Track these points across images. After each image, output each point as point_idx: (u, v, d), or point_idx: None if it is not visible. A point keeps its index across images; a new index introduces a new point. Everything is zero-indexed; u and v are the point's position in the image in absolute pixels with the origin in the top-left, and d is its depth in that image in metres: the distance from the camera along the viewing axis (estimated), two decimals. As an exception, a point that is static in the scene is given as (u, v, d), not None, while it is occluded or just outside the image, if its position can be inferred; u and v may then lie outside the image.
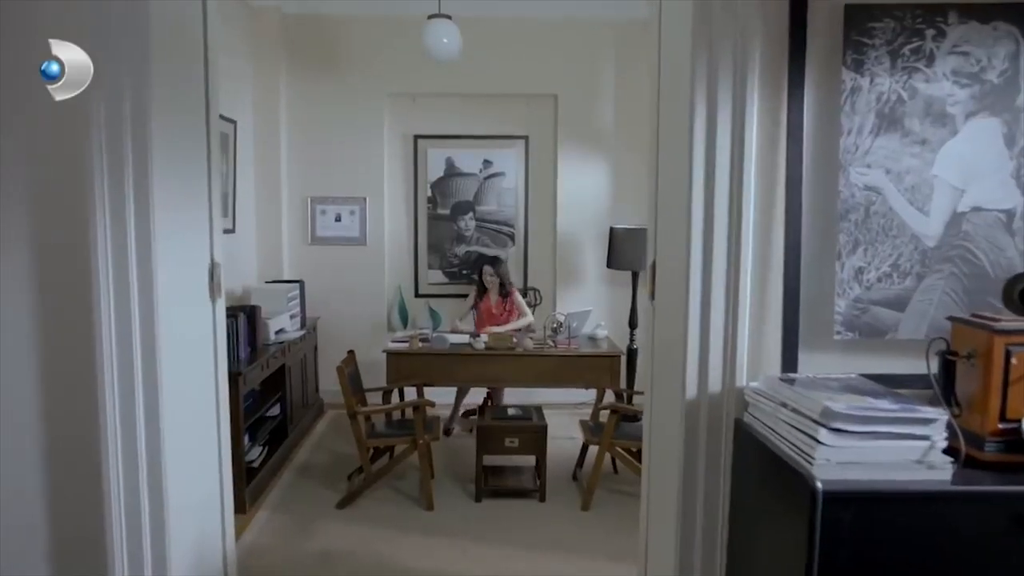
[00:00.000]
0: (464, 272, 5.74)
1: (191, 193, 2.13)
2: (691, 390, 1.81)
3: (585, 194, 5.67)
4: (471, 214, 5.77)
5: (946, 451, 1.38)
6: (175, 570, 1.97)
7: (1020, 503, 1.33)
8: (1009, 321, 1.46)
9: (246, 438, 3.79)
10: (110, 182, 1.78)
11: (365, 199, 5.65)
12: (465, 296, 5.27)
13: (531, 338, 4.53)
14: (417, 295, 5.80)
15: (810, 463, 1.37)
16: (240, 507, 3.51)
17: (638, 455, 3.84)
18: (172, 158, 1.96)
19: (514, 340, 4.46)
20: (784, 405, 1.54)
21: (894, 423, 1.37)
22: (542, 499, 3.81)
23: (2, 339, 1.89)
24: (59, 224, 1.85)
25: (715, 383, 1.79)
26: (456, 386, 5.03)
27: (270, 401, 4.31)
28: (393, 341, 4.63)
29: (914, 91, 1.69)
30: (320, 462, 4.42)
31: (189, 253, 2.12)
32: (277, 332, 4.41)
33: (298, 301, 4.95)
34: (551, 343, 4.47)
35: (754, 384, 1.73)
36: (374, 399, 4.20)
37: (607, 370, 4.38)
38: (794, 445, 1.45)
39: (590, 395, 4.78)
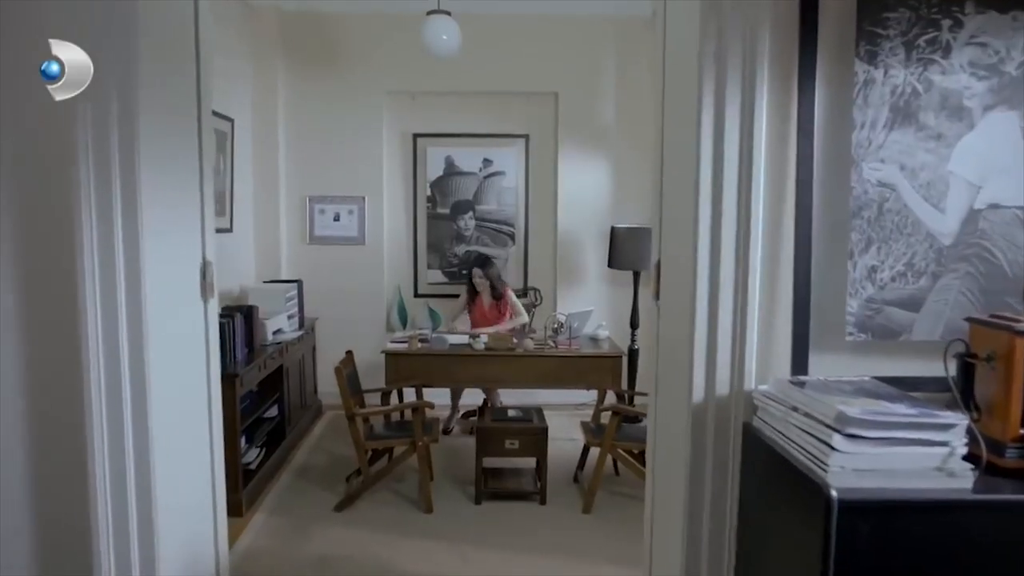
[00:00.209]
0: (464, 272, 5.67)
1: (182, 191, 2.10)
2: (698, 393, 1.75)
3: (586, 193, 5.63)
4: (471, 213, 5.73)
5: (965, 458, 1.32)
6: (164, 572, 1.93)
7: (1044, 512, 1.28)
8: (1030, 322, 1.40)
9: (243, 440, 3.74)
10: (96, 182, 1.75)
11: (364, 198, 5.61)
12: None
13: (531, 338, 4.48)
14: (416, 295, 5.76)
15: (824, 470, 1.31)
16: (236, 510, 3.49)
17: (640, 457, 3.81)
18: (162, 156, 1.93)
19: (514, 341, 4.41)
20: (795, 409, 1.48)
21: (912, 428, 1.32)
22: (543, 502, 3.78)
23: (-13, 338, 1.84)
24: (45, 223, 1.81)
25: (723, 386, 1.73)
26: (454, 387, 4.98)
27: (267, 402, 4.27)
28: (392, 341, 4.60)
29: (929, 84, 1.64)
30: (318, 464, 4.38)
31: (180, 252, 2.09)
32: (275, 332, 4.37)
33: (296, 301, 4.91)
34: (552, 343, 4.43)
35: (763, 387, 1.67)
36: (373, 400, 4.17)
37: (608, 371, 4.34)
38: (806, 451, 1.39)
39: (591, 396, 4.75)
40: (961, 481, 1.31)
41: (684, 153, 1.79)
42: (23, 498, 1.90)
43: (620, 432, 3.74)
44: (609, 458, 3.79)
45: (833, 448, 1.31)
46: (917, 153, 1.65)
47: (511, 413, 4.05)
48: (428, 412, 3.88)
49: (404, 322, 5.55)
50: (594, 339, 4.65)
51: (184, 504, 2.12)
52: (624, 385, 4.70)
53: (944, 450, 1.31)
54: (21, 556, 1.92)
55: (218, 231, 4.45)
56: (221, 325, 3.59)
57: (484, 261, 5.05)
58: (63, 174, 1.76)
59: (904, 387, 1.55)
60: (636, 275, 5.08)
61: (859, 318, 1.70)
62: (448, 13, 4.36)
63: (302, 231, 5.62)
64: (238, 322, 3.85)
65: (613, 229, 5.14)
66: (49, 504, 1.91)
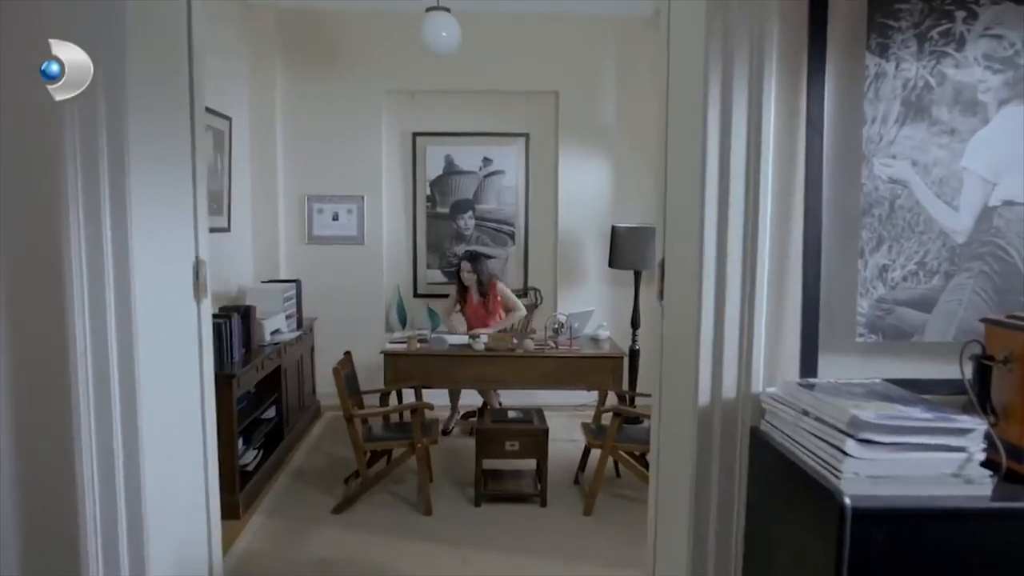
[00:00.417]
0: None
1: (175, 189, 2.07)
2: (704, 395, 1.71)
3: (586, 192, 5.59)
4: (471, 213, 5.68)
5: (983, 464, 1.28)
6: (155, 575, 1.89)
7: (1065, 520, 1.24)
8: (1049, 323, 1.36)
9: (240, 441, 3.70)
10: (84, 181, 1.72)
11: (363, 197, 5.56)
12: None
13: (532, 339, 4.44)
14: (416, 295, 5.72)
15: (837, 477, 1.27)
16: (233, 512, 3.46)
17: (641, 459, 3.78)
18: (154, 155, 1.90)
19: (514, 341, 4.37)
20: (806, 413, 1.43)
21: (928, 433, 1.27)
22: (543, 504, 3.74)
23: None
24: (31, 222, 1.77)
25: (729, 388, 1.69)
26: (452, 388, 4.94)
27: (265, 403, 4.23)
28: (391, 342, 4.55)
29: (943, 77, 1.59)
30: (316, 466, 4.34)
31: (172, 250, 2.06)
32: (272, 333, 4.33)
33: (294, 301, 4.87)
34: (552, 344, 4.39)
35: (771, 390, 1.62)
36: (372, 401, 4.13)
37: (609, 372, 4.30)
38: (818, 457, 1.35)
39: (591, 397, 4.71)
40: (979, 488, 1.26)
41: (689, 150, 1.74)
42: (8, 498, 1.85)
43: (621, 433, 3.70)
44: (610, 460, 3.75)
45: (846, 454, 1.26)
46: (930, 149, 1.61)
47: (511, 414, 4.01)
48: (427, 413, 3.85)
49: (403, 322, 5.51)
50: (595, 339, 4.61)
51: (176, 506, 2.09)
52: (625, 386, 4.66)
53: (961, 456, 1.27)
54: (6, 558, 1.87)
55: (216, 231, 4.51)
56: (218, 325, 3.58)
57: (474, 256, 4.99)
58: (50, 174, 1.73)
59: (916, 390, 1.51)
60: (637, 275, 5.05)
61: (870, 319, 1.65)
62: (447, 10, 4.32)
63: (300, 231, 5.58)
64: (235, 322, 3.81)
65: (614, 228, 5.10)
66: (35, 504, 1.86)
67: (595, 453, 3.82)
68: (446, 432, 4.86)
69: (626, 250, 4.97)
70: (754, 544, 1.67)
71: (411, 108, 5.58)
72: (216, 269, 4.42)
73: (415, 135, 5.62)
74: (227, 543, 3.18)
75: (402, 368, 4.27)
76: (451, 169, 5.66)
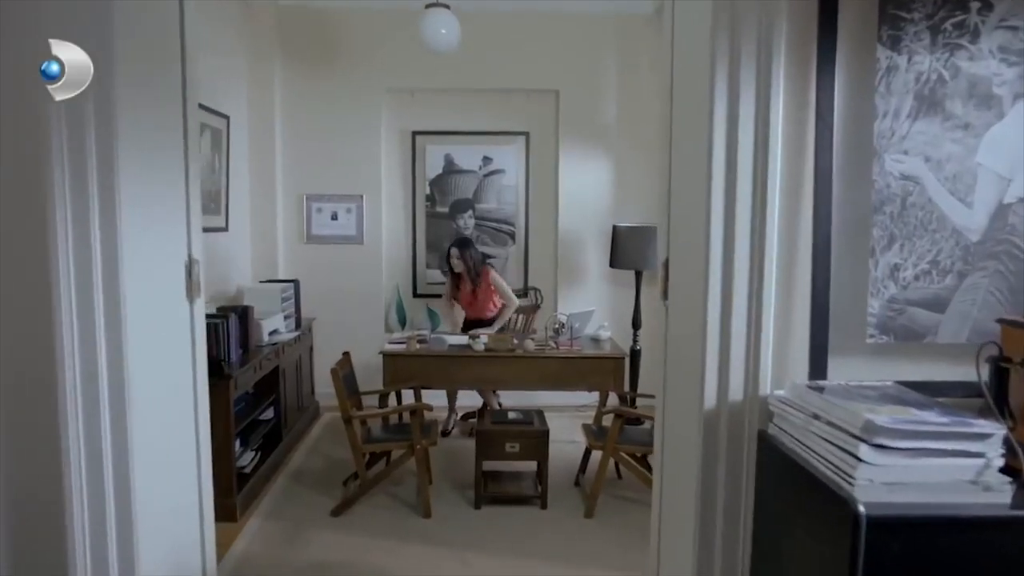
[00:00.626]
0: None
1: (167, 188, 2.05)
2: (710, 398, 1.66)
3: (587, 191, 5.56)
4: (470, 212, 5.64)
5: (1002, 470, 1.23)
6: (145, 581, 1.87)
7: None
8: (1068, 324, 1.32)
9: (237, 443, 3.66)
10: (72, 181, 1.68)
11: (362, 197, 5.53)
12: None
13: (532, 339, 4.40)
14: (415, 295, 5.69)
15: (850, 484, 1.22)
16: (231, 514, 3.43)
17: (643, 460, 3.75)
18: (144, 154, 1.88)
19: (515, 341, 4.33)
20: (816, 417, 1.39)
21: (945, 439, 1.22)
22: (544, 506, 3.70)
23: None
24: (17, 222, 1.74)
25: (736, 391, 1.64)
26: (452, 389, 4.90)
27: (263, 404, 4.19)
28: (390, 342, 4.51)
29: (956, 70, 1.55)
30: (315, 467, 4.30)
31: (164, 250, 2.03)
32: (271, 333, 4.29)
33: (292, 301, 4.82)
34: (552, 344, 4.36)
35: (780, 392, 1.58)
36: (370, 402, 4.09)
37: (610, 372, 4.26)
38: (829, 462, 1.30)
39: (592, 398, 4.67)
40: (998, 496, 1.21)
41: (695, 145, 1.70)
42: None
43: (623, 435, 3.66)
44: (611, 461, 3.71)
45: (860, 459, 1.22)
46: (943, 144, 1.56)
47: (511, 415, 3.97)
48: (427, 415, 3.81)
49: (403, 322, 5.47)
50: (596, 340, 4.57)
51: (168, 508, 2.06)
52: (626, 387, 4.62)
53: (979, 462, 1.22)
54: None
55: (214, 230, 4.48)
56: (215, 326, 3.54)
57: (462, 242, 4.93)
58: (37, 173, 1.69)
59: (928, 392, 1.47)
60: (638, 275, 5.01)
61: (881, 319, 1.61)
62: (447, 7, 4.28)
63: (299, 230, 5.54)
64: (232, 322, 3.77)
65: (615, 228, 5.06)
66: (21, 505, 1.82)
67: (596, 455, 3.79)
68: (445, 433, 4.82)
69: (627, 250, 4.93)
70: (762, 550, 1.62)
71: (410, 107, 5.55)
72: (214, 269, 4.44)
73: (415, 134, 5.58)
74: (224, 546, 3.15)
75: (401, 369, 4.23)
76: (451, 168, 5.62)
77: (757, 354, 1.62)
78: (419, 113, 5.56)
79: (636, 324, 5.04)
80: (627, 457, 3.71)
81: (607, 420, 3.84)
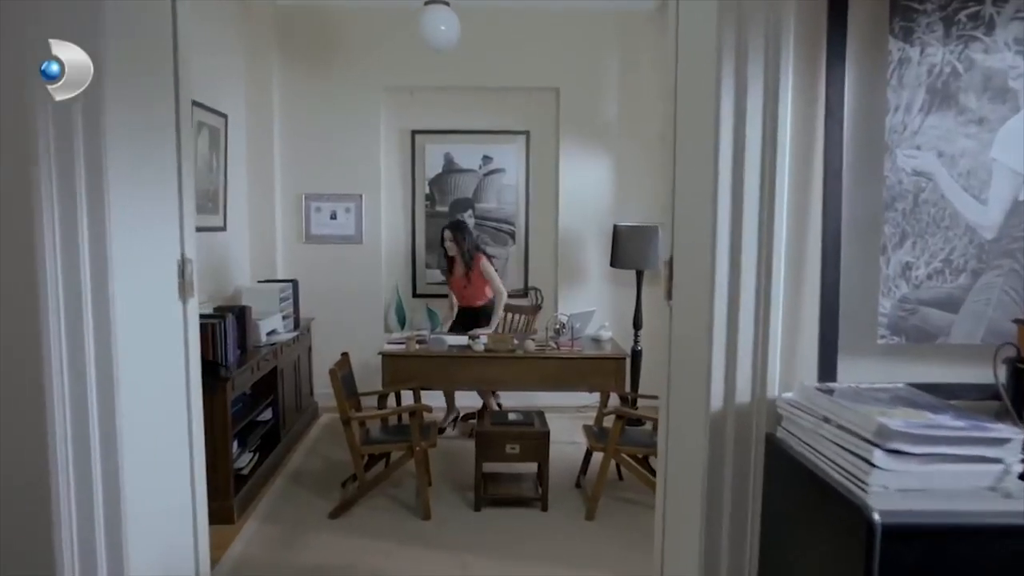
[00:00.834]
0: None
1: (159, 187, 2.02)
2: (716, 400, 1.62)
3: (588, 191, 5.52)
4: (470, 212, 5.61)
5: (1022, 476, 1.19)
6: (137, 584, 1.83)
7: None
8: (1088, 324, 1.27)
9: (235, 444, 3.62)
10: (59, 181, 1.66)
11: (361, 196, 5.49)
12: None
13: (532, 339, 4.36)
14: (415, 295, 5.65)
15: (864, 490, 1.18)
16: (228, 517, 3.40)
17: (644, 462, 3.71)
18: (135, 152, 1.85)
19: (515, 342, 4.29)
20: (826, 420, 1.35)
21: (962, 443, 1.18)
22: (544, 508, 3.66)
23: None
24: (3, 223, 1.71)
25: (743, 393, 1.60)
26: (451, 389, 4.85)
27: (261, 405, 4.15)
28: (390, 343, 4.47)
29: (971, 63, 1.50)
30: (313, 469, 4.26)
31: (156, 249, 2.00)
32: (269, 333, 4.25)
33: (291, 301, 4.78)
34: (553, 345, 4.32)
35: (788, 395, 1.54)
36: (369, 403, 4.05)
37: (611, 373, 4.21)
38: (841, 468, 1.26)
39: (593, 398, 4.63)
40: (1018, 503, 1.17)
41: (701, 141, 1.65)
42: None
43: (624, 436, 3.63)
44: (613, 463, 3.67)
45: (874, 465, 1.18)
46: (957, 139, 1.52)
47: (512, 416, 3.93)
48: (426, 416, 3.77)
49: (402, 323, 5.43)
50: (596, 340, 4.53)
51: (160, 510, 2.03)
52: (627, 387, 4.58)
53: (998, 467, 1.18)
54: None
55: (211, 229, 4.44)
56: (213, 326, 3.50)
57: (457, 225, 4.88)
58: (23, 173, 1.66)
59: (941, 395, 1.43)
60: (639, 274, 4.97)
61: (892, 319, 1.57)
62: (447, 3, 4.24)
63: (298, 230, 5.50)
64: (230, 323, 3.73)
65: (615, 227, 5.02)
66: (7, 511, 1.79)
67: (597, 456, 3.75)
68: (441, 430, 4.77)
69: (628, 249, 4.90)
70: (770, 556, 1.58)
71: (410, 105, 5.51)
72: (212, 269, 4.40)
73: (414, 133, 5.54)
74: (222, 548, 3.12)
75: (400, 369, 4.19)
76: (450, 167, 5.58)
77: (765, 355, 1.58)
78: (418, 112, 5.52)
79: (637, 324, 5.00)
80: (628, 459, 3.68)
81: (608, 421, 3.80)
